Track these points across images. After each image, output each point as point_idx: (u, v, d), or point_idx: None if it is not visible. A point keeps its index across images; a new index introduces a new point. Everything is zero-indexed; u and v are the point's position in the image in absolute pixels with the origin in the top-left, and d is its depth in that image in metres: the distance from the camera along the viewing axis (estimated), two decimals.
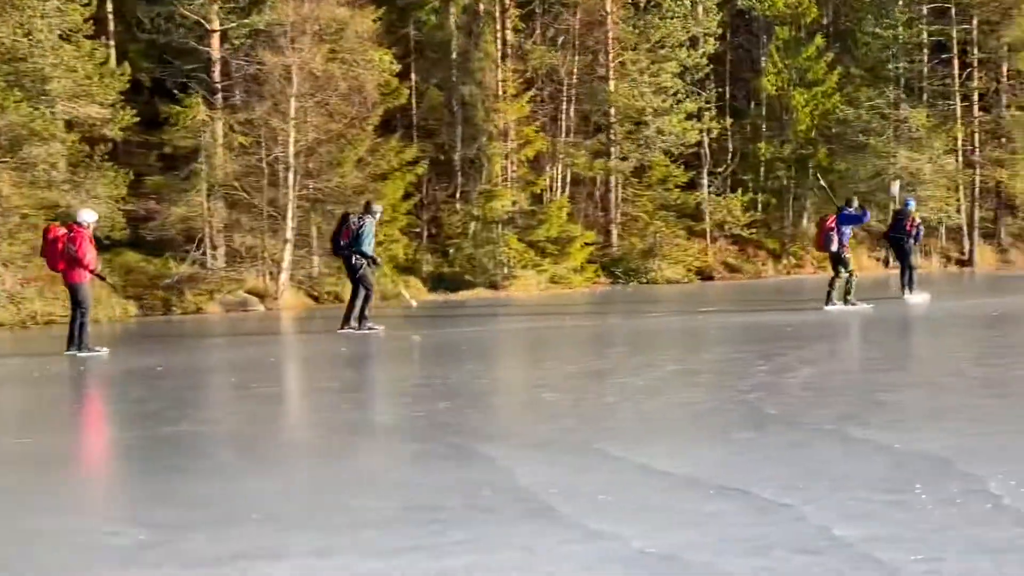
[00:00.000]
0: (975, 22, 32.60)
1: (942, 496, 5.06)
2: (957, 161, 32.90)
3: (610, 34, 28.86)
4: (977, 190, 33.24)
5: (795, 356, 11.01)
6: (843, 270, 16.99)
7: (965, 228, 33.39)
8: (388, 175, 24.38)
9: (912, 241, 19.74)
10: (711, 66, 29.90)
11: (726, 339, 13.69)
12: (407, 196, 25.69)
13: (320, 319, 19.30)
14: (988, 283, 26.54)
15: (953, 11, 32.32)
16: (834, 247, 16.94)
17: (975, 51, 32.85)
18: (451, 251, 26.51)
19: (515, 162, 27.17)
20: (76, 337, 13.27)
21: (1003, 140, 32.87)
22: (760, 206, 31.84)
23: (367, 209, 15.77)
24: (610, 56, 28.94)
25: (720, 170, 31.01)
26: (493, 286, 25.55)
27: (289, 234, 22.13)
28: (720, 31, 30.14)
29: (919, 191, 31.38)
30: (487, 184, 26.54)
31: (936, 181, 31.55)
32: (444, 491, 5.58)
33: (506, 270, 25.72)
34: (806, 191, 31.81)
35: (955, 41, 32.73)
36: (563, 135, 29.23)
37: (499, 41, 27.72)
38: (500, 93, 27.05)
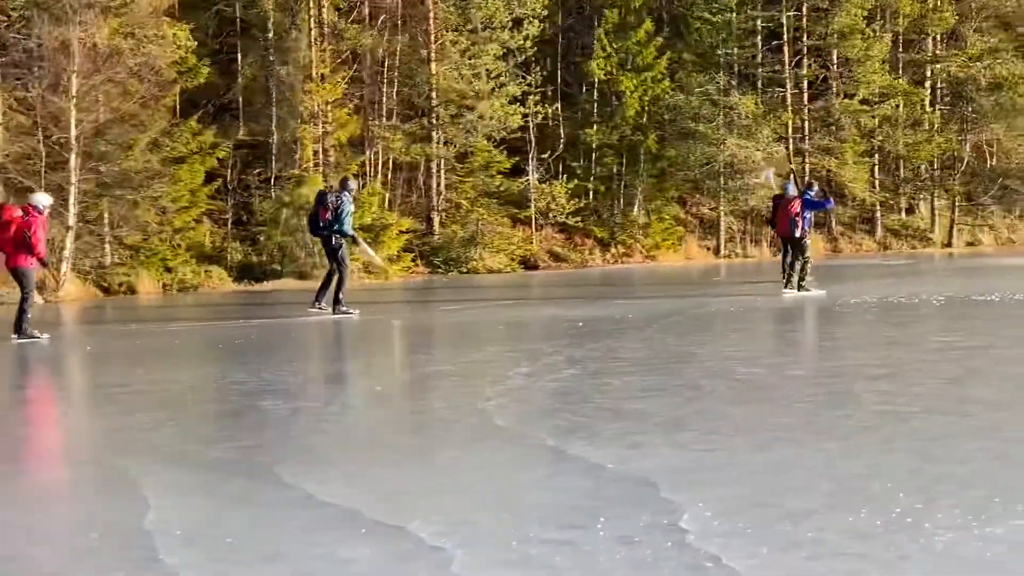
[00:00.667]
0: (805, 8, 32.78)
1: (623, 532, 4.37)
2: (788, 149, 33.08)
3: (431, 14, 28.01)
4: (807, 179, 33.42)
5: (567, 355, 10.34)
6: (801, 255, 17.11)
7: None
8: (186, 159, 23.13)
9: (800, 227, 17.97)
10: (536, 49, 29.29)
11: (509, 335, 13.00)
12: (211, 180, 24.50)
13: (95, 309, 18.08)
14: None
15: None
16: (797, 232, 17.06)
17: (805, 38, 33.04)
18: (260, 239, 25.41)
19: (328, 146, 26.14)
20: (16, 322, 13.08)
21: (833, 128, 33.12)
22: (591, 193, 31.45)
23: (343, 186, 15.80)
24: (431, 37, 28.09)
25: (546, 156, 30.45)
26: (303, 276, 24.49)
27: (71, 221, 20.68)
28: (546, 13, 29.52)
29: (747, 179, 31.48)
30: (298, 169, 25.48)
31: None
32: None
33: (316, 259, 24.67)
34: (636, 178, 31.53)
35: (786, 28, 32.87)
36: (384, 118, 28.32)
37: (313, 19, 26.64)
38: (314, 74, 26.00)
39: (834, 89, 33.12)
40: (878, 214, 35.79)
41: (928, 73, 36.35)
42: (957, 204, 36.49)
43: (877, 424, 6.61)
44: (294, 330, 14.39)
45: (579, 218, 29.98)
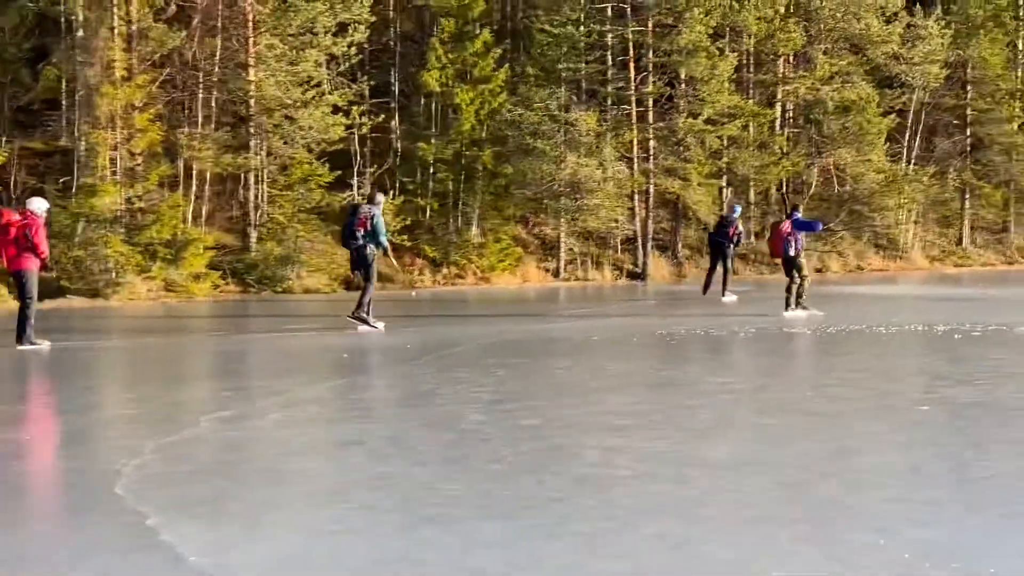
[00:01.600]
0: (651, 24, 32.15)
1: None
2: (633, 169, 32.40)
3: (249, 16, 26.58)
4: (651, 200, 32.80)
5: (289, 396, 9.07)
6: (797, 274, 17.87)
7: (640, 239, 32.89)
8: None
9: (732, 246, 22.14)
10: (361, 56, 28.06)
11: (252, 367, 11.75)
12: None
13: None
14: (626, 298, 25.79)
15: (629, 11, 31.81)
16: (792, 252, 17.85)
17: (651, 55, 32.42)
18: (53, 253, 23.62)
19: (128, 153, 24.49)
20: (19, 329, 13.22)
21: (679, 148, 32.52)
22: (425, 211, 30.33)
23: (371, 199, 16.54)
24: (249, 41, 26.65)
25: (372, 170, 29.20)
26: (95, 294, 22.83)
27: None
28: (374, 19, 28.30)
29: (588, 199, 30.69)
30: (93, 177, 23.79)
31: (605, 189, 30.84)
32: None
33: (112, 276, 23.05)
34: (473, 196, 30.50)
35: (631, 44, 32.22)
36: (197, 126, 26.76)
37: (119, 18, 25.01)
38: (117, 76, 24.37)
39: (680, 108, 32.51)
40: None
41: (778, 95, 36.11)
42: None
43: (569, 495, 5.50)
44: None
45: (407, 236, 28.73)
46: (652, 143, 32.51)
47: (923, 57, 37.21)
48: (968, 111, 42.62)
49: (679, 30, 31.36)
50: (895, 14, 36.95)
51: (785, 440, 7.00)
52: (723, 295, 21.40)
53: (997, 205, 42.33)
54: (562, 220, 31.32)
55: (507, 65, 30.91)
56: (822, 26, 35.37)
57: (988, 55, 40.89)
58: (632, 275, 32.65)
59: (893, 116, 37.58)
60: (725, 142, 33.90)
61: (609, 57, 32.60)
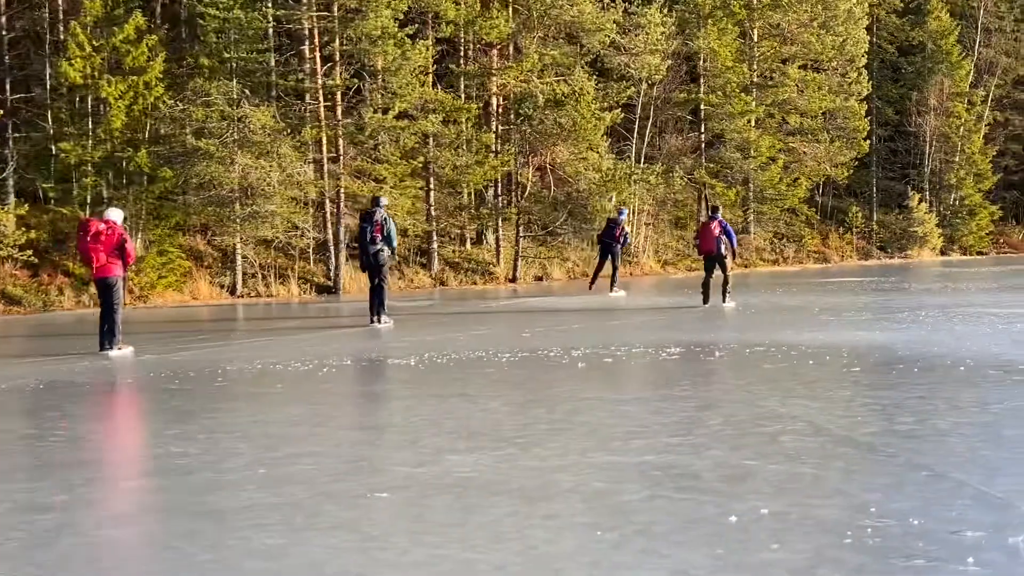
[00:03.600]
0: (336, 9, 29.44)
1: None
2: (324, 172, 29.69)
3: None
4: (342, 204, 30.09)
5: None
6: (723, 271, 21.02)
7: (332, 249, 30.15)
8: None
9: (619, 246, 25.61)
10: None
11: None
12: None
13: None
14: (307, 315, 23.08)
15: None
16: (723, 249, 20.95)
17: (337, 43, 29.71)
18: None
19: None
20: (107, 333, 14.16)
21: (369, 147, 29.92)
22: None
23: (377, 203, 17.93)
24: None
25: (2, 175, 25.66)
26: None
27: None
28: None
29: (262, 205, 27.82)
30: None
31: (282, 193, 28.03)
32: None
33: None
34: (129, 203, 27.19)
35: (312, 30, 29.49)
36: None
37: None
38: None
39: (369, 102, 29.90)
40: (434, 245, 32.99)
41: (488, 88, 33.92)
42: (522, 234, 34.24)
43: None
44: None
45: (32, 252, 25.23)
46: (341, 141, 29.83)
47: (644, 47, 35.76)
48: (702, 106, 41.62)
49: (364, 15, 28.77)
50: (612, 0, 35.40)
51: None
52: (611, 290, 25.25)
53: (732, 204, 41.34)
54: (237, 229, 28.33)
55: (164, 54, 27.69)
56: (534, 13, 33.31)
57: (717, 46, 39.86)
58: (321, 289, 29.92)
59: (618, 111, 35.91)
60: (423, 139, 31.51)
61: (288, 45, 29.79)
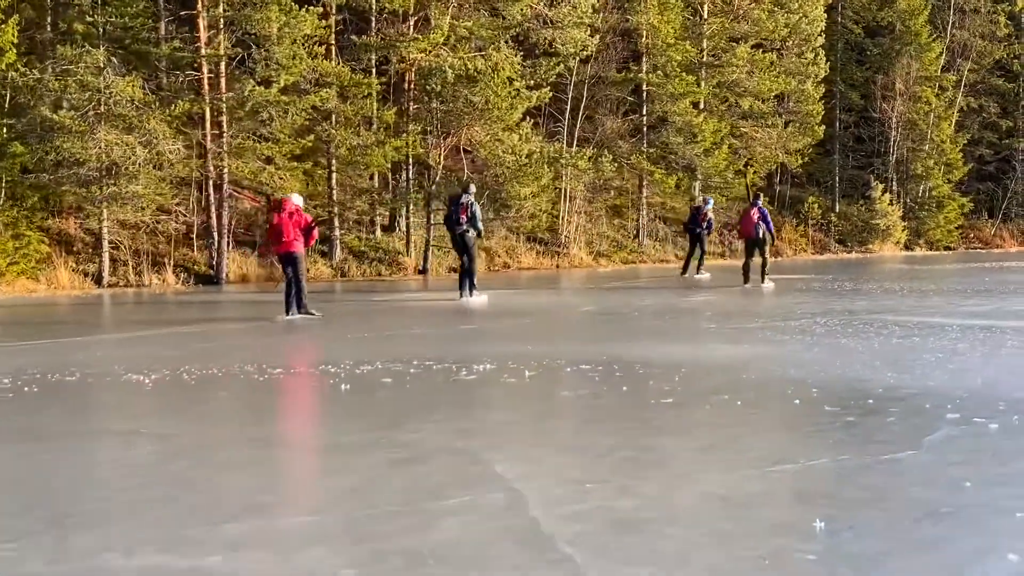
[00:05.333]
0: None
1: None
2: (206, 149, 27.43)
3: None
4: (225, 186, 27.82)
5: None
6: (762, 254, 23.63)
7: (215, 235, 27.89)
8: None
9: (704, 232, 27.79)
10: None
11: None
12: None
13: None
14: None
15: None
16: (761, 233, 23.38)
17: (219, 9, 27.37)
18: None
19: None
20: (296, 302, 16.50)
21: (254, 123, 27.58)
22: None
23: (466, 189, 20.11)
24: None
25: None
26: None
27: None
28: None
29: (126, 186, 25.56)
30: None
31: (148, 172, 25.76)
32: None
33: None
34: None
35: None
36: None
37: None
38: None
39: (257, 74, 27.55)
40: (336, 232, 30.73)
41: (388, 60, 31.52)
42: (433, 221, 31.97)
43: None
44: None
45: None
46: (225, 118, 27.55)
47: (570, 20, 33.50)
48: (644, 87, 39.41)
49: None
50: None
51: None
52: (698, 272, 27.54)
53: (673, 192, 39.16)
54: (96, 211, 26.07)
55: (16, 17, 25.38)
56: None
57: (658, 22, 37.61)
58: (201, 279, 27.68)
59: (546, 90, 33.64)
60: (328, 117, 29.26)
61: (169, 10, 27.51)
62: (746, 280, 23.77)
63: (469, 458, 6.91)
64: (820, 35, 43.40)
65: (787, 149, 42.50)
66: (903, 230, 47.86)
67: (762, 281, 23.36)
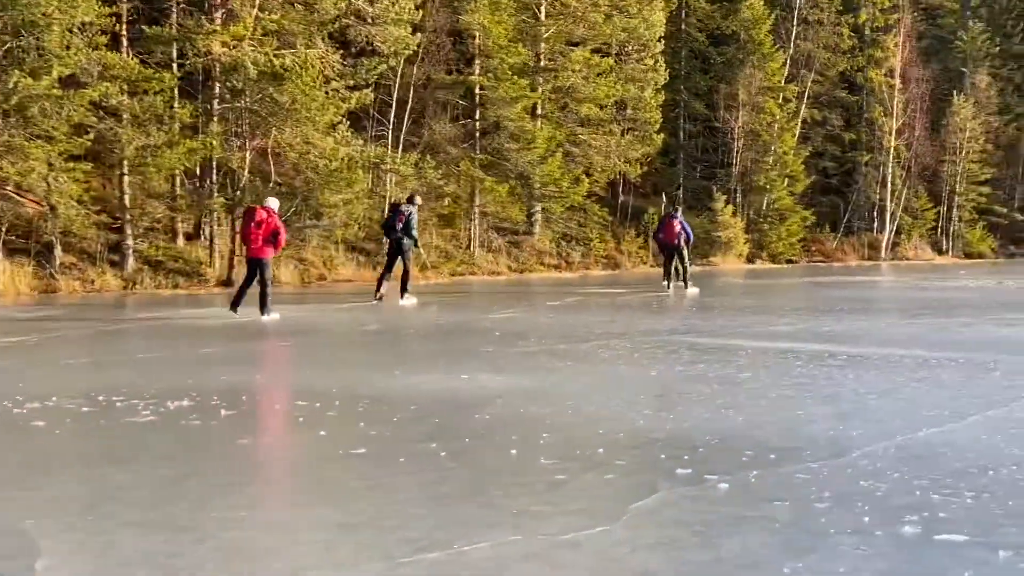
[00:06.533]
0: None
1: None
2: None
3: None
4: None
5: None
6: (681, 261, 26.60)
7: None
8: None
9: (682, 242, 27.07)
10: None
11: None
12: None
13: None
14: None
15: None
16: (682, 240, 26.45)
17: None
18: None
19: None
20: (260, 303, 17.51)
21: (19, 119, 25.16)
22: None
23: (411, 200, 22.09)
24: None
25: None
26: None
27: None
28: None
29: None
30: None
31: None
32: None
33: None
34: None
35: None
36: None
37: None
38: None
39: (27, 64, 25.07)
40: (128, 239, 28.42)
41: (188, 56, 29.26)
42: (238, 230, 29.75)
43: None
44: None
45: None
46: None
47: (387, 17, 31.76)
48: (477, 90, 37.91)
49: None
50: None
51: None
52: (686, 287, 26.81)
53: (505, 201, 37.69)
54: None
55: None
56: None
57: (489, 23, 36.13)
58: None
59: (368, 91, 31.81)
60: (116, 115, 26.99)
61: None
62: (666, 283, 26.72)
63: None
64: (660, 41, 42.46)
65: (626, 158, 41.41)
66: (745, 243, 47.25)
67: (685, 287, 26.23)
